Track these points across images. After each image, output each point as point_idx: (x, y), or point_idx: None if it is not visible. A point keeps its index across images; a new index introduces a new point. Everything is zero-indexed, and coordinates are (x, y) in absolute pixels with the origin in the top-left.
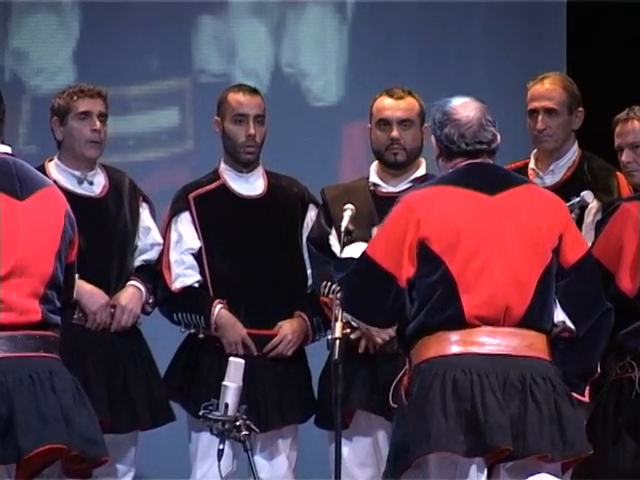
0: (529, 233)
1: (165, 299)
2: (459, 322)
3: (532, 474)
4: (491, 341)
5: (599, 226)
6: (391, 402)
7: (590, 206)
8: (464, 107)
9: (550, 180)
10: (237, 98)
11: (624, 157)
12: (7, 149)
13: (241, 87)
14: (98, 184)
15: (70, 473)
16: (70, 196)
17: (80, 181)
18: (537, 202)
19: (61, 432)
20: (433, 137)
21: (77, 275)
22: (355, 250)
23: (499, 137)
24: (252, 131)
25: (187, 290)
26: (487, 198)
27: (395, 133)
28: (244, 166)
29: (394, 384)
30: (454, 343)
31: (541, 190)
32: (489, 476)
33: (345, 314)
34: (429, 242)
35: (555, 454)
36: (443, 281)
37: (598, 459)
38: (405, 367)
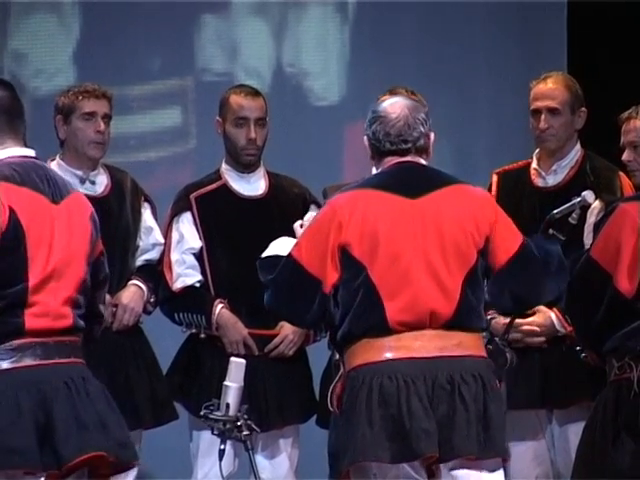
0: (451, 236)
1: (166, 299)
2: (383, 329)
3: (470, 469)
4: (418, 344)
5: (597, 227)
6: (329, 407)
7: (593, 206)
8: (392, 106)
9: (552, 180)
10: (238, 100)
11: (624, 156)
12: (32, 152)
13: (242, 88)
14: (100, 184)
15: (94, 475)
16: None
17: (82, 181)
18: (463, 203)
19: (100, 439)
20: (365, 137)
21: None
22: (279, 247)
23: (432, 136)
24: (253, 135)
25: (188, 290)
26: (408, 201)
27: None
28: (245, 168)
29: (330, 389)
30: (380, 349)
31: (470, 190)
32: (430, 475)
33: None
34: (350, 247)
35: (480, 453)
36: (365, 287)
37: (597, 459)
38: (340, 373)
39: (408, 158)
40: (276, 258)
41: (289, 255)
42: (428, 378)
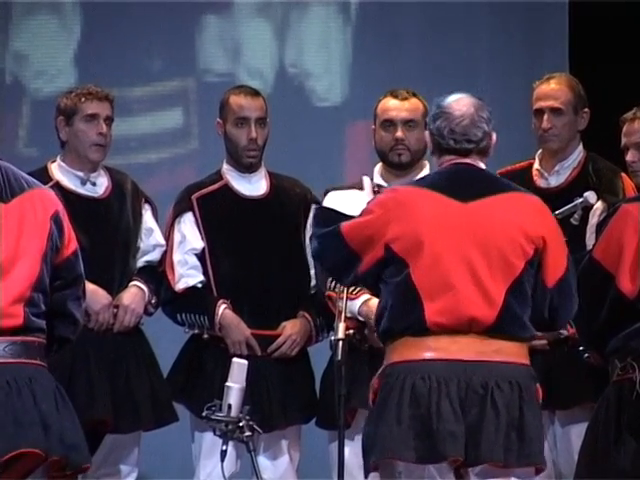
0: (499, 243)
1: (169, 300)
2: (422, 329)
3: (500, 477)
4: (455, 347)
5: (600, 227)
6: (370, 402)
7: (595, 207)
8: (458, 102)
9: (555, 181)
10: (238, 101)
11: (629, 156)
12: None
13: (242, 89)
14: (101, 185)
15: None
16: (73, 197)
17: (83, 182)
18: (516, 212)
19: (37, 437)
20: (428, 132)
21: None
22: (343, 201)
23: (494, 136)
24: (254, 135)
25: (191, 290)
26: (458, 205)
27: (399, 133)
28: (247, 168)
29: (371, 384)
30: (418, 349)
31: (527, 199)
32: (457, 477)
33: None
34: (393, 244)
35: (509, 461)
36: (406, 286)
37: (599, 459)
38: (381, 368)
39: (468, 160)
40: (334, 214)
41: (339, 227)
42: (462, 381)
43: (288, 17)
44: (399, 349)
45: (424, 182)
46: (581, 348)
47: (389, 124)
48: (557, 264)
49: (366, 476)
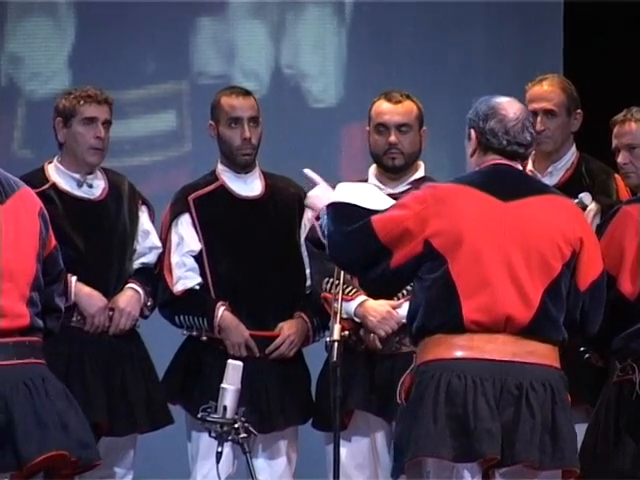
0: (538, 244)
1: (167, 302)
2: (458, 326)
3: (528, 479)
4: (490, 347)
5: (600, 229)
6: (398, 400)
7: (589, 208)
8: (510, 105)
9: (548, 182)
10: (230, 102)
11: (620, 158)
12: None
13: (233, 89)
14: (98, 187)
15: (55, 476)
16: (70, 198)
17: (80, 184)
18: (555, 214)
19: (61, 438)
20: (473, 131)
21: (75, 278)
22: (369, 197)
23: (534, 144)
24: (247, 134)
25: (189, 292)
26: (499, 204)
27: (392, 138)
28: (242, 168)
29: (400, 382)
30: (452, 347)
31: (563, 202)
32: (485, 479)
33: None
34: (433, 239)
35: (544, 462)
36: (443, 282)
37: (599, 460)
38: (412, 366)
39: (510, 162)
40: (354, 209)
41: (370, 221)
42: (497, 381)
43: (283, 18)
44: (431, 347)
45: (464, 180)
46: (582, 349)
47: (382, 128)
48: (591, 268)
49: (397, 476)
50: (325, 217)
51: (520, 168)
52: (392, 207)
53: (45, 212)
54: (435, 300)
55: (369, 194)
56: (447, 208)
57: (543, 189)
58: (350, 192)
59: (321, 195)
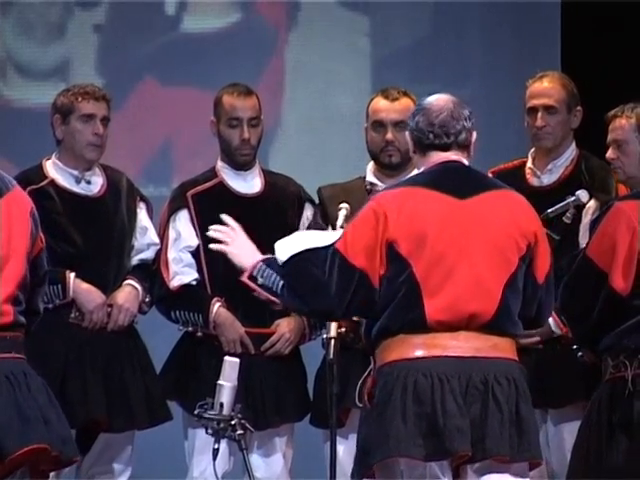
0: (496, 239)
1: (163, 297)
2: (421, 326)
3: (498, 473)
4: (453, 344)
5: (593, 225)
6: (357, 402)
7: (588, 205)
8: (437, 99)
9: (548, 179)
10: (231, 101)
11: (608, 153)
12: None
13: (235, 88)
14: (96, 183)
15: (35, 473)
16: (68, 195)
17: (78, 180)
18: (509, 208)
19: (42, 432)
20: (407, 133)
21: (73, 274)
22: (302, 242)
23: (474, 134)
24: (246, 135)
25: (185, 288)
26: (457, 202)
27: (389, 135)
28: (241, 167)
29: (359, 385)
30: (416, 346)
31: (515, 196)
32: (456, 476)
33: None
34: (396, 244)
35: (513, 455)
36: (407, 284)
37: (592, 458)
38: (370, 367)
39: (451, 155)
40: (313, 251)
41: (335, 249)
42: (462, 377)
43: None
44: (394, 347)
45: (416, 181)
46: (575, 347)
47: (379, 125)
48: (545, 260)
49: (359, 478)
50: (271, 274)
51: (466, 163)
52: (348, 228)
53: (36, 212)
54: (399, 301)
55: (313, 237)
56: (405, 211)
57: (494, 185)
58: (293, 243)
59: (242, 251)
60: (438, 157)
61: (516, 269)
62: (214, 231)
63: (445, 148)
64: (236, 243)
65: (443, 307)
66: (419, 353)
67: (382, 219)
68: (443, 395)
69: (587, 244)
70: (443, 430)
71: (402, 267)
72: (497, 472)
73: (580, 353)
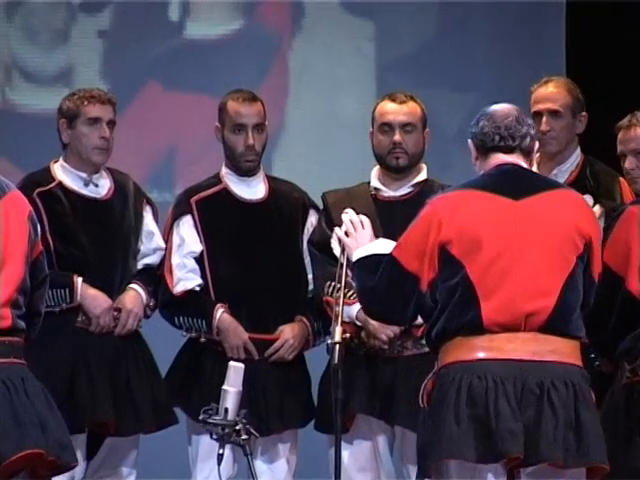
0: (553, 239)
1: (167, 303)
2: (477, 328)
3: (552, 478)
4: (510, 346)
5: (606, 231)
6: (420, 404)
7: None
8: (500, 106)
9: None
10: (236, 107)
11: (627, 164)
12: None
13: (240, 94)
14: (103, 186)
15: (33, 477)
16: (76, 197)
17: (86, 183)
18: (565, 208)
19: (39, 437)
20: (470, 141)
21: (81, 279)
22: (377, 247)
23: (537, 143)
24: (251, 141)
25: (189, 294)
26: (512, 203)
27: (397, 137)
28: (245, 173)
29: (423, 386)
30: (473, 349)
31: (573, 195)
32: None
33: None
34: (450, 246)
35: (568, 461)
36: (462, 286)
37: (609, 461)
38: (434, 370)
39: (512, 158)
40: (374, 257)
41: (390, 254)
42: (518, 381)
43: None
44: (452, 350)
45: (471, 184)
46: (592, 355)
47: (387, 128)
48: (600, 260)
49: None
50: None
51: (524, 165)
52: (405, 232)
53: (34, 216)
54: (455, 304)
55: (385, 244)
56: (459, 214)
57: (551, 184)
58: (368, 248)
59: (357, 246)
60: (499, 159)
61: (574, 268)
62: (348, 218)
63: (509, 151)
64: (359, 237)
65: (499, 308)
66: (475, 355)
67: (435, 224)
68: (497, 398)
69: (602, 250)
70: (496, 432)
71: (456, 269)
72: (551, 477)
73: (597, 363)
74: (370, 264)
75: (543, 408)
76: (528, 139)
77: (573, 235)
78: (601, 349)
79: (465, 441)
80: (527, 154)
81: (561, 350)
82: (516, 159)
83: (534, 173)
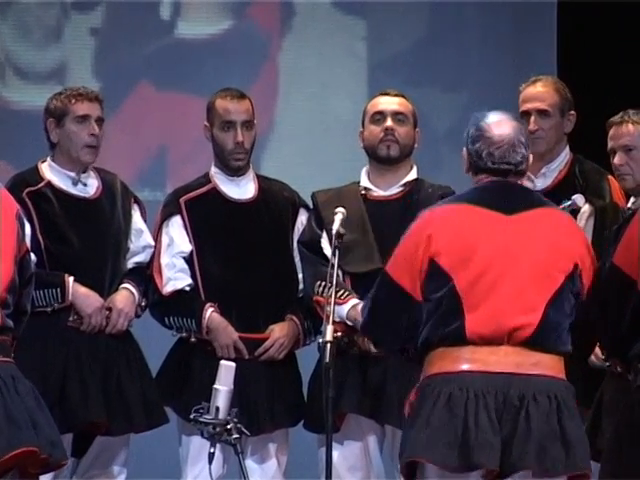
0: (542, 255)
1: (156, 303)
2: (460, 339)
3: None
4: (494, 359)
5: (617, 233)
6: (405, 414)
7: (582, 210)
8: (498, 125)
9: (541, 183)
10: (224, 105)
11: (616, 159)
12: None
13: (228, 92)
14: (92, 185)
15: (24, 476)
16: (65, 196)
17: (75, 182)
18: (555, 226)
19: (31, 435)
20: (465, 150)
21: (72, 278)
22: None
23: (531, 158)
24: (240, 138)
25: (178, 294)
26: (503, 217)
27: (389, 123)
28: (234, 172)
29: (407, 397)
30: (456, 360)
31: (562, 215)
32: None
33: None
34: (438, 258)
35: (558, 469)
36: (449, 298)
37: (624, 464)
38: (418, 382)
39: (503, 178)
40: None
41: (383, 269)
42: (499, 393)
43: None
44: (436, 361)
45: (463, 198)
46: (602, 357)
47: (379, 116)
48: (589, 280)
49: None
50: None
51: (516, 182)
52: (397, 248)
53: (22, 214)
54: (441, 315)
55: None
56: (449, 227)
57: (542, 202)
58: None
59: None
60: (491, 178)
61: (561, 286)
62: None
63: (502, 174)
64: None
65: (483, 320)
66: (459, 367)
67: (424, 238)
68: (477, 410)
69: (613, 252)
70: (473, 444)
71: (444, 281)
72: None
73: (608, 363)
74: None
75: (519, 421)
76: (523, 165)
77: (562, 254)
78: (612, 351)
79: (438, 447)
80: (521, 175)
81: (544, 363)
82: (509, 179)
83: (526, 189)
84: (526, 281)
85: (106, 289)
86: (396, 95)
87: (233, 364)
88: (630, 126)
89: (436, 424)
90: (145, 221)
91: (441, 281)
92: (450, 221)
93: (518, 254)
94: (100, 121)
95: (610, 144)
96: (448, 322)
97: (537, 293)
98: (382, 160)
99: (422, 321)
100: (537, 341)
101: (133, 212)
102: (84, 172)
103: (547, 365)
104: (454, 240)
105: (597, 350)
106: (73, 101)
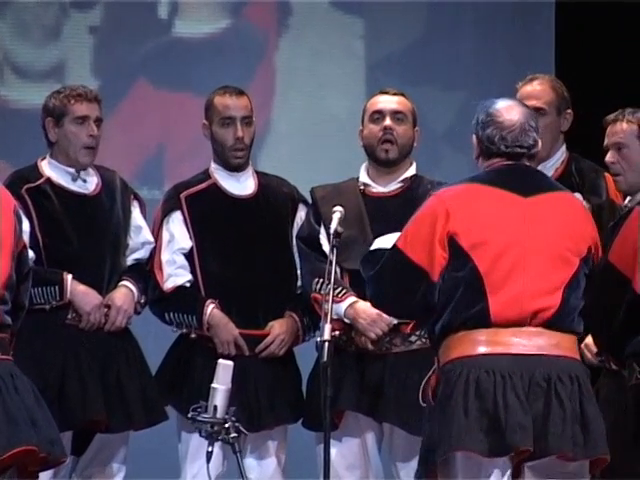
0: (559, 238)
1: (157, 299)
2: (484, 322)
3: (556, 472)
4: (517, 341)
5: (613, 231)
6: (421, 401)
7: None
8: (508, 110)
9: None
10: (223, 101)
11: (608, 157)
12: None
13: (227, 89)
14: (91, 182)
15: (23, 474)
16: (65, 193)
17: (74, 178)
18: (570, 210)
19: (30, 434)
20: (474, 136)
21: (70, 276)
22: (385, 241)
23: (540, 143)
24: (240, 134)
25: (179, 290)
26: (520, 199)
27: (388, 122)
28: (234, 168)
29: (423, 384)
30: (479, 343)
31: (576, 200)
32: (515, 475)
33: (336, 311)
34: (458, 237)
35: (576, 453)
36: (470, 279)
37: (618, 462)
38: (434, 367)
39: (517, 162)
40: (381, 251)
41: (394, 246)
42: (525, 375)
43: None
44: (456, 345)
45: (477, 179)
46: (595, 352)
47: (378, 115)
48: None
49: (421, 477)
50: None
51: (529, 165)
52: (409, 224)
53: (19, 211)
54: (462, 296)
55: (388, 238)
56: (467, 207)
57: (557, 187)
58: (379, 241)
59: None
60: (499, 162)
61: (577, 270)
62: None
63: (516, 158)
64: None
65: (507, 303)
66: (482, 350)
67: (443, 215)
68: (505, 391)
69: (608, 249)
70: (505, 426)
71: (464, 261)
72: (556, 470)
73: (601, 359)
74: (375, 257)
75: (551, 401)
76: (535, 148)
77: (578, 238)
78: (606, 348)
79: (475, 434)
80: (532, 158)
81: (564, 344)
82: (522, 162)
83: (541, 172)
84: (545, 263)
85: (105, 286)
86: (395, 94)
87: (231, 363)
88: (624, 124)
89: (473, 414)
90: (145, 217)
91: (460, 260)
92: (467, 200)
93: (536, 236)
94: (99, 122)
95: (605, 142)
96: (470, 305)
97: (556, 275)
98: (381, 163)
99: (435, 300)
100: (557, 323)
101: (132, 209)
102: (84, 169)
103: (566, 346)
104: (472, 219)
105: (591, 347)
106: (72, 101)
